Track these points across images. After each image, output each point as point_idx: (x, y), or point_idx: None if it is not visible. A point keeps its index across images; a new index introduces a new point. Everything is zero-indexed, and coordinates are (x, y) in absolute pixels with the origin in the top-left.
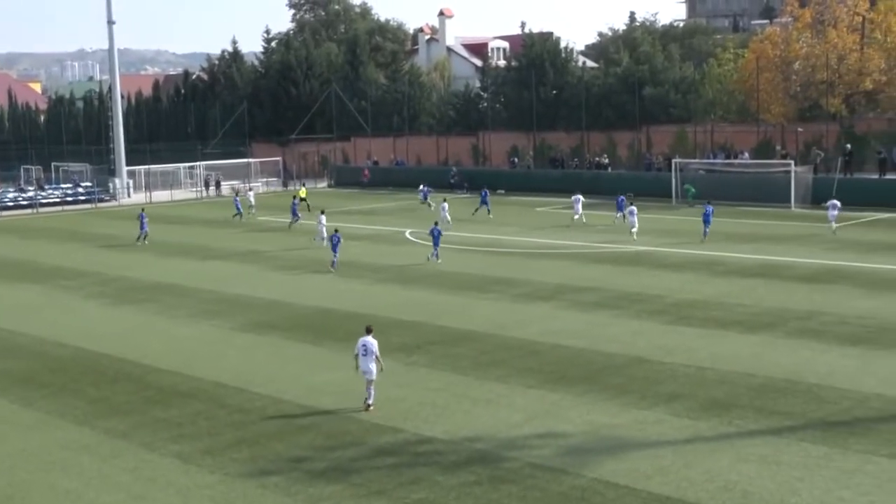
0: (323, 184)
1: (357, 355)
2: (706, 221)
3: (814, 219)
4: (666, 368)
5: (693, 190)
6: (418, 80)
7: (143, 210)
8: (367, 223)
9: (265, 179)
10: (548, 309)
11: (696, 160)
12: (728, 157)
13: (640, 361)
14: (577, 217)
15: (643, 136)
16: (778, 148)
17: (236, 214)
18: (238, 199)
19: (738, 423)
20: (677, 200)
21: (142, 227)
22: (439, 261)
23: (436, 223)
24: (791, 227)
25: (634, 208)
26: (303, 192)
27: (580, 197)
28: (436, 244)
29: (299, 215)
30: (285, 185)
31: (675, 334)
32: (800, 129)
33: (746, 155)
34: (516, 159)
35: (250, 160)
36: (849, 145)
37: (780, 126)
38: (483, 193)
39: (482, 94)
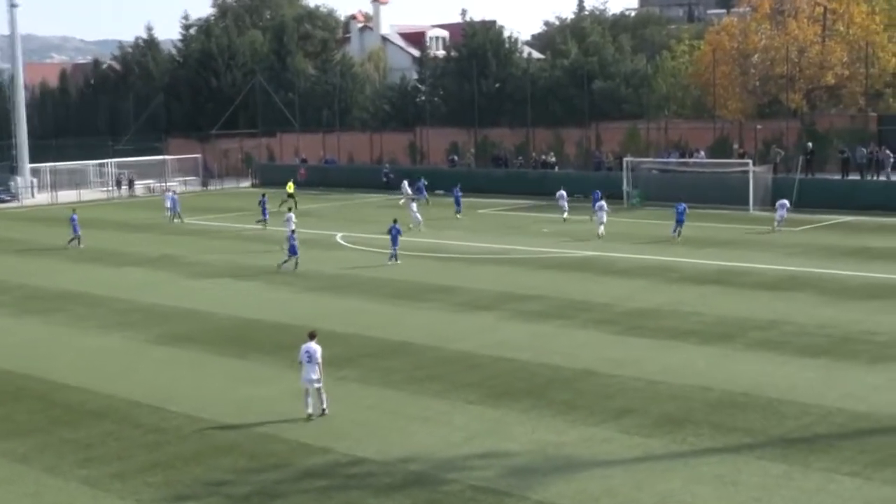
0: (246, 183)
1: (300, 363)
2: (679, 221)
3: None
4: (615, 382)
5: (637, 199)
6: (350, 71)
7: (74, 211)
8: (297, 226)
9: (183, 178)
10: (490, 319)
11: (649, 159)
12: (683, 155)
13: (588, 375)
14: (566, 216)
15: (592, 134)
16: (735, 146)
17: (261, 220)
18: (265, 198)
19: (693, 441)
20: (629, 202)
21: (74, 230)
22: (398, 262)
23: (395, 221)
24: (750, 230)
25: (604, 203)
26: (290, 188)
27: (563, 193)
28: (394, 244)
29: (268, 216)
30: (205, 184)
31: (626, 346)
32: (759, 127)
33: (702, 154)
34: (456, 157)
35: (166, 157)
36: (810, 144)
37: (738, 123)
38: (456, 193)
39: (420, 86)
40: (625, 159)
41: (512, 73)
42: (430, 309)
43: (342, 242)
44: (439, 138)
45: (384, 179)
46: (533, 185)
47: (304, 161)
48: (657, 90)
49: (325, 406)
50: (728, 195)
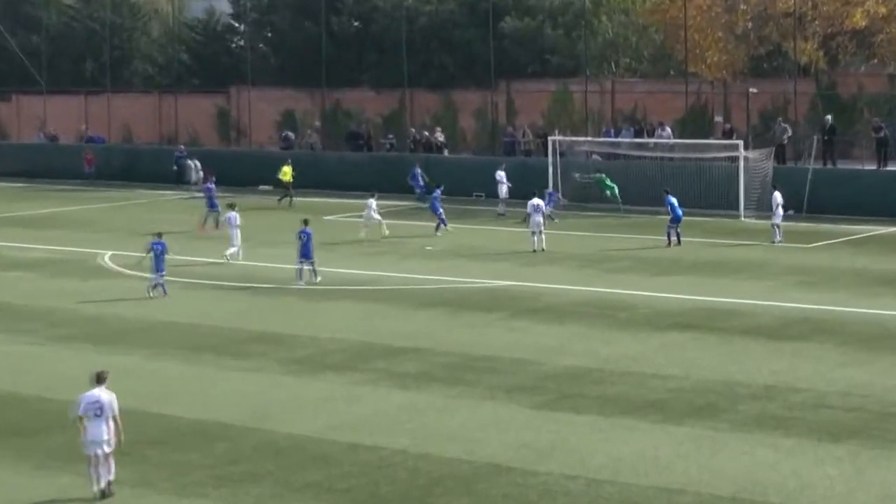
0: None
1: (81, 419)
2: (677, 218)
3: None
4: (538, 483)
5: (608, 182)
6: (128, 0)
7: None
8: (42, 241)
9: None
10: (342, 385)
11: (588, 138)
12: (639, 133)
13: (495, 472)
14: (535, 238)
15: (501, 99)
16: (718, 120)
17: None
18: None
19: None
20: (563, 203)
21: None
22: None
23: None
24: (739, 248)
25: (540, 203)
26: (287, 173)
27: (502, 174)
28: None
29: (217, 203)
30: None
31: (554, 425)
32: (753, 90)
33: (668, 131)
34: (292, 135)
35: None
36: (829, 117)
37: (722, 85)
38: (435, 195)
39: (236, 25)
40: (551, 138)
41: (378, 7)
42: (250, 370)
43: (110, 265)
44: (266, 105)
45: (174, 167)
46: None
47: (53, 139)
48: (600, 33)
49: (111, 478)
50: (707, 194)
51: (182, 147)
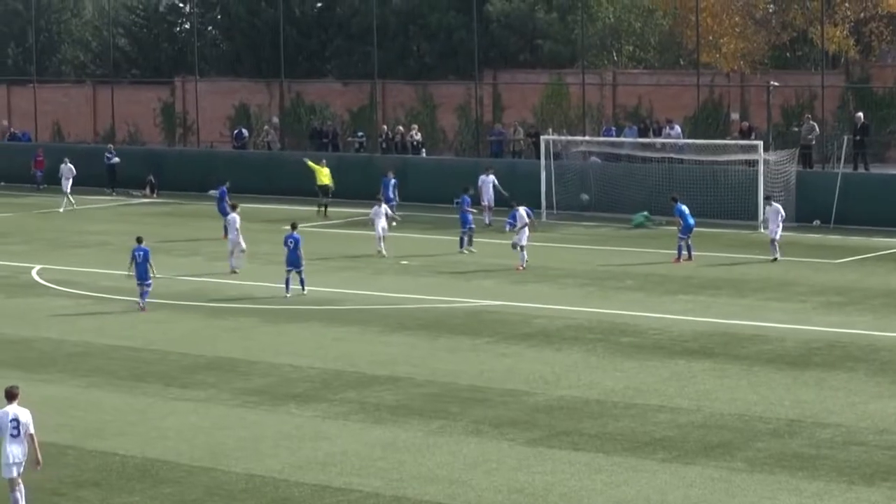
0: None
1: None
2: (688, 228)
3: (801, 247)
4: None
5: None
6: None
7: None
8: None
9: None
10: (307, 418)
11: (585, 137)
12: (644, 132)
13: None
14: (522, 252)
15: (487, 92)
16: (734, 117)
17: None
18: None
19: None
20: (553, 212)
21: None
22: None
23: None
24: (759, 264)
25: (524, 211)
26: (325, 176)
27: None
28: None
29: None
30: None
31: (549, 465)
32: (773, 84)
33: (677, 129)
34: (246, 132)
35: None
36: (861, 114)
37: (739, 76)
38: (464, 201)
39: (181, 6)
40: (543, 137)
41: None
42: (201, 401)
43: (39, 281)
44: (217, 98)
45: (106, 167)
46: (376, 184)
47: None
48: (599, 17)
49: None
50: (722, 201)
51: (111, 147)
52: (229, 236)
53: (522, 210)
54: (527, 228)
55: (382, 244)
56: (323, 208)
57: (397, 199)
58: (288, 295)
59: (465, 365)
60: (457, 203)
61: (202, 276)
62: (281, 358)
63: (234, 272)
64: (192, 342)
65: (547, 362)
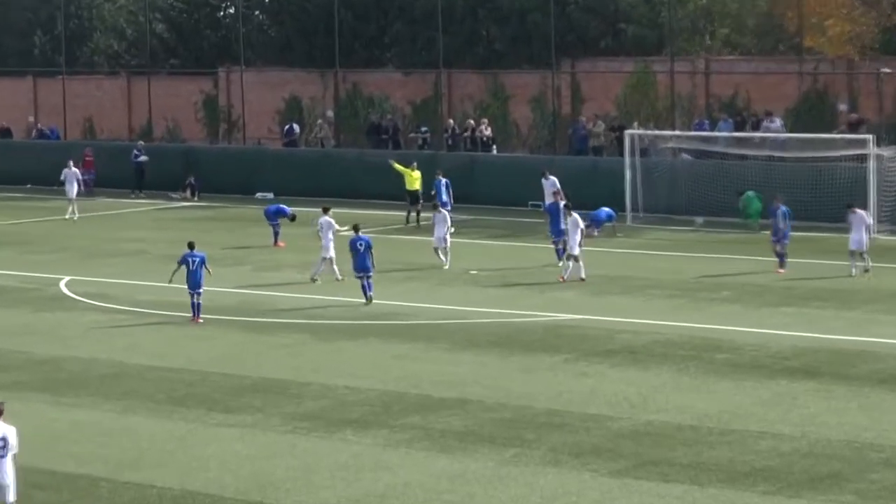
0: None
1: None
2: (782, 236)
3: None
4: None
5: (757, 203)
6: None
7: None
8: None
9: None
10: (366, 446)
11: (675, 132)
12: (741, 126)
13: None
14: (578, 262)
15: (564, 82)
16: (842, 108)
17: None
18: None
19: None
20: (639, 215)
21: None
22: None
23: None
24: (869, 272)
25: (579, 218)
26: (416, 180)
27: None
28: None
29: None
30: None
31: (636, 498)
32: (885, 70)
33: (778, 122)
34: (297, 127)
35: None
36: None
37: (845, 63)
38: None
39: None
40: (628, 132)
41: None
42: (247, 427)
43: (69, 294)
44: (264, 90)
45: (133, 166)
46: (456, 184)
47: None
48: (689, 0)
49: None
50: (828, 203)
51: (141, 144)
52: (322, 242)
53: (577, 216)
54: (579, 235)
55: (442, 255)
56: (415, 215)
57: (451, 201)
58: (367, 302)
59: (541, 386)
60: (535, 206)
61: (249, 287)
62: (336, 379)
63: (314, 280)
64: (236, 361)
65: (633, 383)
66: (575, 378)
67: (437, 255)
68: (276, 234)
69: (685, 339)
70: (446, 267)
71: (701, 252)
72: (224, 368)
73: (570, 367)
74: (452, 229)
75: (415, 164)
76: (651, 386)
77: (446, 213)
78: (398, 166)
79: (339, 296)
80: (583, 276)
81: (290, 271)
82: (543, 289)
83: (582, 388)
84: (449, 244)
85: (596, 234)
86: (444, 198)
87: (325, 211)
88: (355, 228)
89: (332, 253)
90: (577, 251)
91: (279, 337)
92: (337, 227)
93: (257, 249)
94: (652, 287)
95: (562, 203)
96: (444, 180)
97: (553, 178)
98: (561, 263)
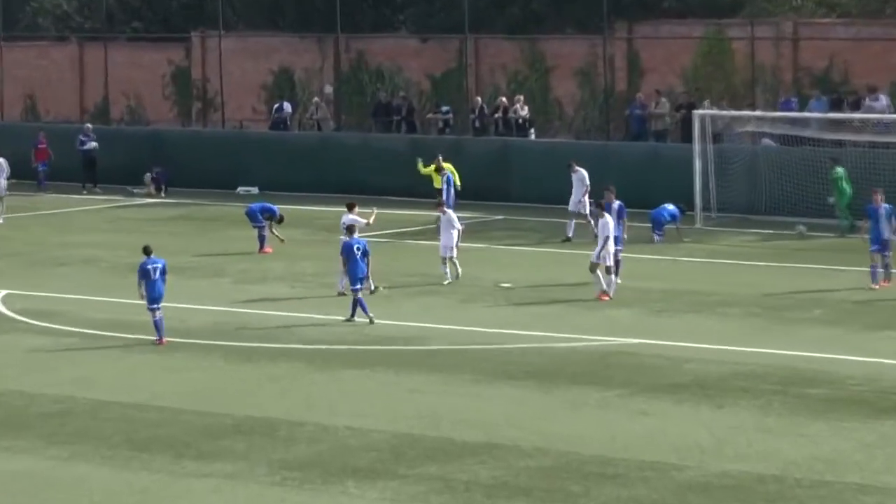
0: None
1: None
2: (885, 247)
3: None
4: None
5: (843, 184)
6: None
7: None
8: None
9: None
10: (372, 502)
11: (756, 112)
12: (837, 103)
13: None
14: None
15: (619, 51)
16: None
17: None
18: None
19: None
20: (711, 215)
21: None
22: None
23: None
24: None
25: (609, 220)
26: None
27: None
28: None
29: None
30: None
31: None
32: None
33: (883, 101)
34: (288, 106)
35: None
36: None
37: None
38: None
39: None
40: (697, 112)
41: None
42: (227, 477)
43: (5, 312)
44: (248, 60)
45: (80, 154)
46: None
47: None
48: None
49: None
50: None
51: (88, 127)
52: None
53: (609, 218)
54: (610, 243)
55: (448, 267)
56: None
57: (452, 199)
58: (371, 322)
59: (590, 427)
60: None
61: (228, 304)
62: (336, 418)
63: (343, 294)
64: (213, 396)
65: (704, 424)
66: (632, 417)
67: (444, 266)
68: (261, 237)
69: (769, 369)
70: (447, 281)
71: (789, 261)
72: (197, 405)
73: (626, 405)
74: (461, 227)
75: (440, 156)
76: (726, 428)
77: (451, 213)
78: (425, 169)
79: (339, 314)
80: (606, 289)
81: (279, 284)
82: (592, 306)
83: (640, 430)
84: (456, 253)
85: (657, 238)
86: (446, 196)
87: (350, 208)
88: (349, 207)
89: None
90: (607, 260)
91: (266, 366)
92: (363, 221)
93: (239, 257)
94: (727, 304)
95: (587, 202)
96: (446, 172)
97: (582, 170)
98: (595, 278)
